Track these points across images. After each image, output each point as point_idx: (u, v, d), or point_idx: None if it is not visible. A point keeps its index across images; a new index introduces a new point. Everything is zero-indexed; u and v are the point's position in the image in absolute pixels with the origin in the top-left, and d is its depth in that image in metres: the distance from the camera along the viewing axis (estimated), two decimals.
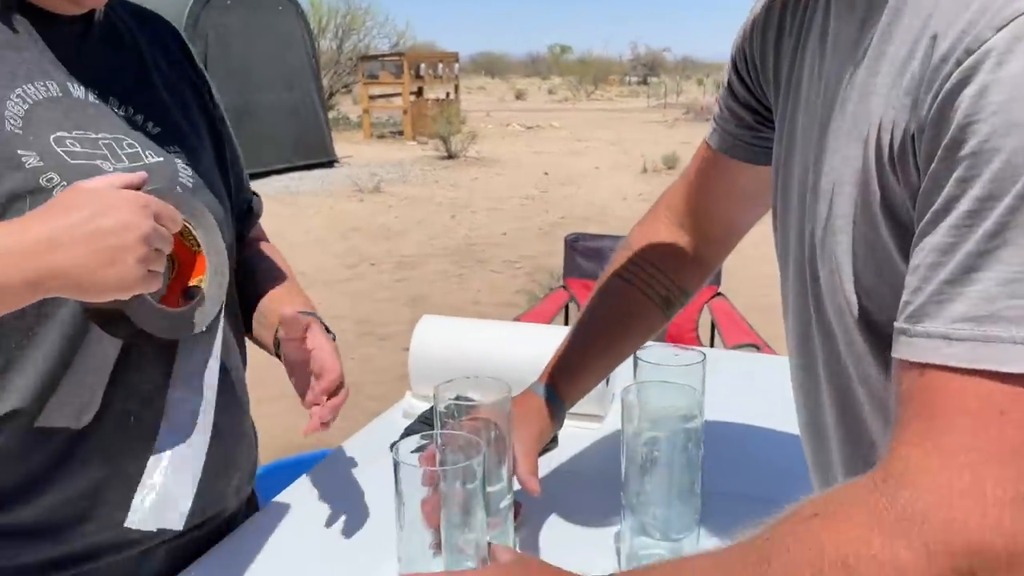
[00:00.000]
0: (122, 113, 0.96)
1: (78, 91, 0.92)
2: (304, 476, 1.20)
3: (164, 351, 0.92)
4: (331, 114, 17.19)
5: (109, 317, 0.83)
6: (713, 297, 3.35)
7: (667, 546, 0.95)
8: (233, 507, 1.08)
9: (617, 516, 1.01)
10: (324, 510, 1.11)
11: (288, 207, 9.30)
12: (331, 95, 17.91)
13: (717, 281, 3.35)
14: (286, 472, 1.30)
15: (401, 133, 16.82)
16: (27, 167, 0.83)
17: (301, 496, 1.15)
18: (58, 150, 0.86)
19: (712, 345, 3.25)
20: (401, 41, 22.13)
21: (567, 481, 1.18)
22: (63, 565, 0.91)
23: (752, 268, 6.47)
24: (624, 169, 12.72)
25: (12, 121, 0.84)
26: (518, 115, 23.81)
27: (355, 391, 4.33)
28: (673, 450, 0.94)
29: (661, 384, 0.97)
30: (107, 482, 0.90)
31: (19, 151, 0.83)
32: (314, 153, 12.60)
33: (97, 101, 0.93)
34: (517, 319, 3.12)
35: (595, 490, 1.14)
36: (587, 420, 1.35)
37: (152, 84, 1.02)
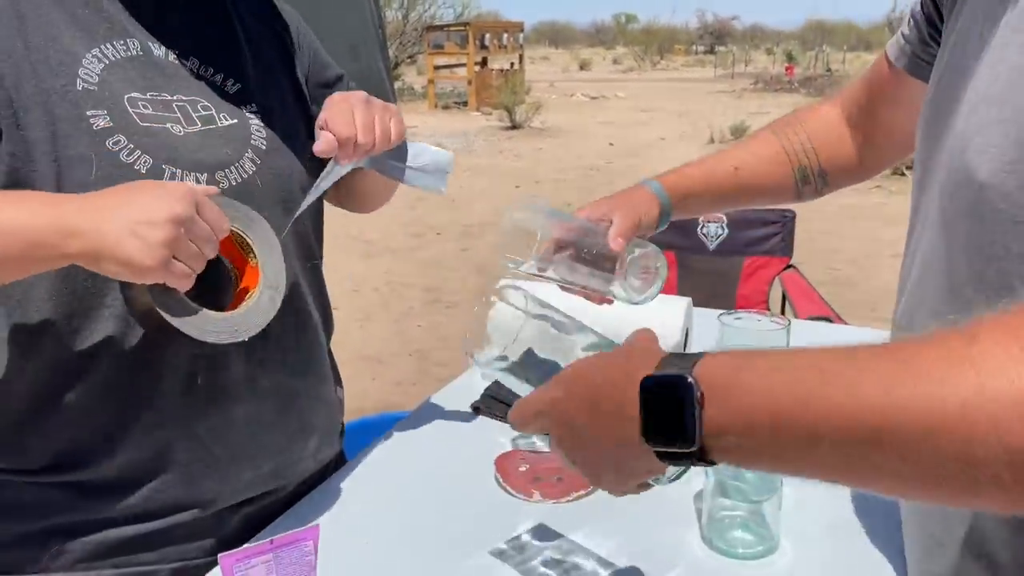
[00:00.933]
0: (202, 72, 0.96)
1: (159, 51, 0.92)
2: (383, 437, 1.23)
3: None
4: (396, 84, 17.28)
5: (145, 310, 0.86)
6: (784, 269, 3.30)
7: (747, 507, 0.96)
8: (312, 469, 1.09)
9: (697, 478, 1.01)
10: (403, 470, 1.14)
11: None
12: (396, 65, 17.98)
13: (788, 253, 3.29)
14: (362, 432, 1.33)
15: (465, 103, 16.83)
16: (95, 128, 0.84)
17: (380, 456, 1.18)
18: (130, 110, 0.87)
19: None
20: (466, 11, 22.08)
21: None
22: (141, 519, 0.93)
23: (822, 242, 6.35)
24: (690, 140, 12.51)
25: (86, 79, 0.85)
26: (582, 85, 23.58)
27: (423, 358, 4.42)
28: None
29: (746, 348, 0.97)
30: (176, 442, 0.93)
31: (88, 112, 0.84)
32: None
33: (177, 61, 0.94)
34: None
35: None
36: None
37: (235, 41, 1.01)
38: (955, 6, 0.82)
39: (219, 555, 0.69)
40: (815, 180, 1.12)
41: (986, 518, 0.68)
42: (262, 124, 0.99)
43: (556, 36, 67.44)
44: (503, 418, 1.24)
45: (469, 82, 16.56)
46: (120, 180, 0.82)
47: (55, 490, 0.90)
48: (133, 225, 0.74)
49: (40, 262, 0.78)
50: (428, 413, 1.30)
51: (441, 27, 18.14)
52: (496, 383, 1.31)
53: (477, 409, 1.28)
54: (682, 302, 1.42)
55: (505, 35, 17.94)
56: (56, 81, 0.84)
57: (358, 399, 3.27)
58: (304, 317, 1.05)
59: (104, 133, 0.84)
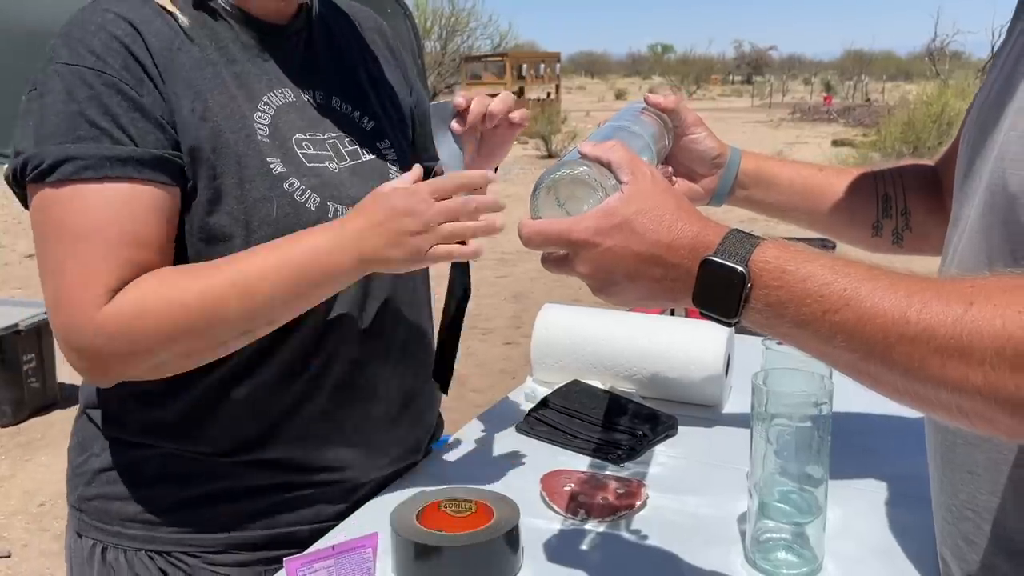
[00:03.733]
0: (343, 111, 1.07)
1: (307, 94, 1.04)
2: (431, 456, 1.26)
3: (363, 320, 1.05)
4: None
5: None
6: None
7: (791, 529, 0.97)
8: (419, 458, 1.21)
9: (740, 500, 1.03)
10: (451, 489, 1.17)
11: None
12: (434, 95, 18.24)
13: None
14: None
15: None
16: (274, 173, 0.95)
17: (431, 471, 1.21)
18: (298, 153, 0.98)
19: None
20: (503, 42, 22.30)
21: (689, 466, 1.21)
22: (285, 488, 1.04)
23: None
24: None
25: (261, 131, 0.96)
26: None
27: (459, 384, 4.44)
28: (801, 436, 0.96)
29: (791, 371, 0.99)
30: (327, 435, 1.04)
31: (268, 159, 0.95)
32: None
33: (322, 102, 1.05)
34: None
35: (717, 474, 1.16)
36: (705, 410, 1.37)
37: (361, 81, 1.12)
38: (1015, 26, 0.83)
39: (284, 559, 0.73)
40: (896, 216, 1.09)
41: (1016, 518, 0.71)
42: (396, 158, 1.10)
43: (592, 66, 67.97)
44: (549, 439, 1.27)
45: None
46: (295, 216, 0.95)
47: (220, 465, 1.01)
48: (396, 237, 0.88)
49: (351, 281, 0.94)
50: (473, 433, 1.33)
51: (479, 58, 18.39)
52: (540, 404, 1.34)
53: (522, 430, 1.30)
54: (724, 328, 1.44)
55: (542, 65, 18.15)
56: (241, 134, 0.94)
57: None
58: (427, 323, 1.18)
59: (281, 177, 0.95)
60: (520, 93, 17.28)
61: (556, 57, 18.78)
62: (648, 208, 0.70)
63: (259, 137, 0.96)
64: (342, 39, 1.12)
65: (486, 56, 18.77)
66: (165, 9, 0.95)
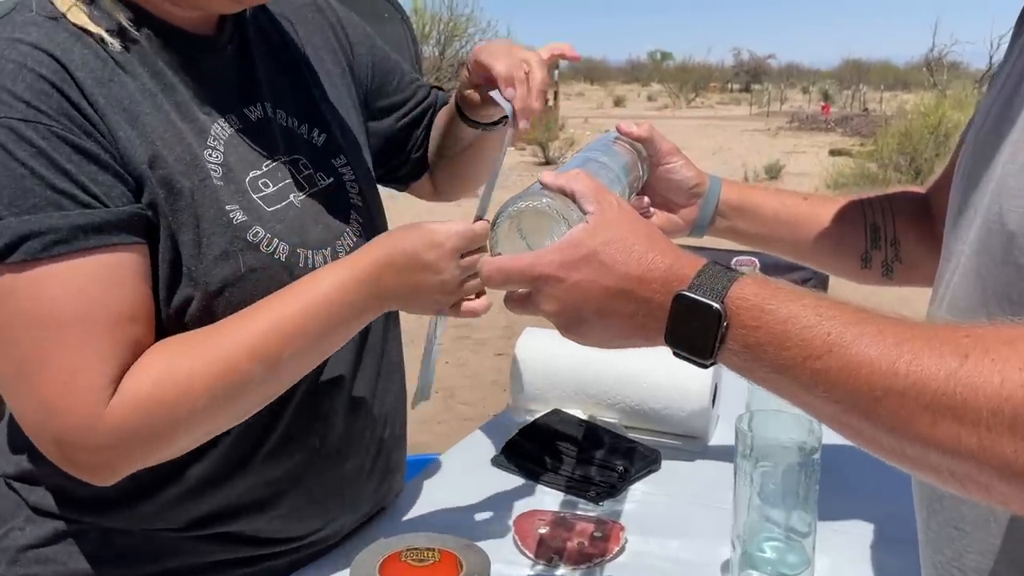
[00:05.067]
0: (290, 127, 0.96)
1: (252, 113, 0.91)
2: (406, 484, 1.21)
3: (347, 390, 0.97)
4: None
5: None
6: None
7: None
8: (391, 502, 1.14)
9: (725, 543, 0.97)
10: (421, 525, 1.11)
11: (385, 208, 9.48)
12: None
13: (824, 287, 3.23)
14: None
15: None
16: (235, 223, 0.84)
17: (402, 506, 1.15)
18: (255, 198, 0.87)
19: None
20: None
21: (671, 505, 1.15)
22: (246, 548, 0.95)
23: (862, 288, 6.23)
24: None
25: (215, 172, 0.84)
26: (616, 122, 23.60)
27: (449, 395, 4.39)
28: (787, 483, 0.91)
29: (777, 413, 0.94)
30: (295, 499, 0.95)
31: (227, 207, 0.84)
32: None
33: (271, 116, 0.93)
34: None
35: (701, 515, 1.10)
36: (690, 442, 1.31)
37: (306, 84, 1.00)
38: (1015, 44, 0.79)
39: None
40: (886, 247, 1.04)
41: (1000, 561, 0.67)
42: (354, 176, 1.00)
43: (591, 72, 68.03)
44: (525, 473, 1.21)
45: None
46: (264, 272, 0.85)
47: (173, 541, 0.91)
48: (415, 290, 0.83)
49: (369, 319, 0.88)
50: (446, 465, 1.27)
51: None
52: (520, 434, 1.28)
53: (498, 463, 1.25)
54: None
55: None
56: (195, 179, 0.82)
57: None
58: (399, 366, 1.09)
59: (243, 227, 0.84)
60: None
61: (554, 64, 18.74)
62: (616, 238, 0.65)
63: (214, 181, 0.83)
64: (275, 39, 0.99)
65: None
66: (86, 31, 0.79)
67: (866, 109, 28.42)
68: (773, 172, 12.39)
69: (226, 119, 0.88)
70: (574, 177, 0.69)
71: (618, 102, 36.69)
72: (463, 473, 1.24)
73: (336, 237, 0.94)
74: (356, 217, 0.98)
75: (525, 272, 0.66)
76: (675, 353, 0.64)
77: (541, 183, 0.71)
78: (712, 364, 0.63)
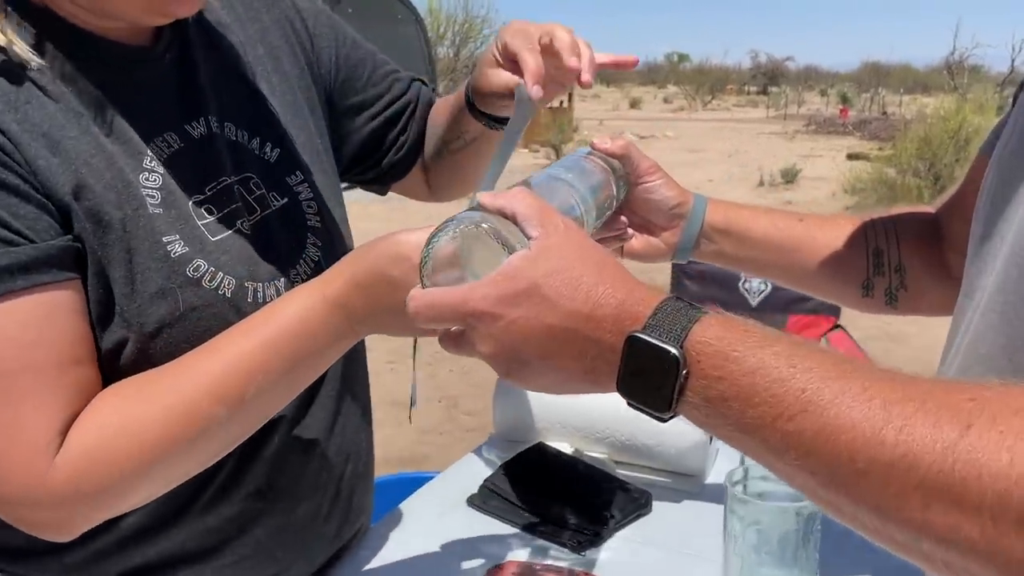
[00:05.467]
0: (240, 141, 0.86)
1: (195, 128, 0.82)
2: (377, 525, 1.12)
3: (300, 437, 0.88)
4: None
5: None
6: (832, 329, 3.12)
7: None
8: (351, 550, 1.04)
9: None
10: (391, 571, 1.02)
11: (396, 211, 9.43)
12: None
13: (836, 312, 3.12)
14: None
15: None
16: (173, 256, 0.75)
17: (371, 545, 1.06)
18: (199, 225, 0.78)
19: None
20: None
21: (661, 556, 1.05)
22: None
23: None
24: (739, 183, 12.33)
25: (152, 199, 0.75)
26: (632, 124, 23.54)
27: (452, 405, 4.30)
28: (784, 540, 0.81)
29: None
30: (239, 548, 0.87)
31: (164, 238, 0.75)
32: None
33: (216, 131, 0.83)
34: None
35: (693, 569, 1.01)
36: (684, 480, 1.21)
37: (258, 92, 0.90)
38: None
39: None
40: (889, 273, 0.93)
41: None
42: (311, 194, 0.90)
43: (607, 74, 67.82)
44: (503, 516, 1.12)
45: None
46: (207, 309, 0.76)
47: None
48: (391, 319, 0.71)
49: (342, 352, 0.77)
50: (418, 506, 1.18)
51: None
52: (498, 472, 1.19)
53: (474, 504, 1.15)
54: None
55: None
56: (128, 208, 0.73)
57: (383, 447, 3.14)
58: (363, 395, 0.99)
59: (182, 260, 0.75)
60: None
61: None
62: (561, 268, 0.56)
63: (150, 209, 0.75)
64: (222, 42, 0.89)
65: None
66: None
67: (885, 112, 28.11)
68: (789, 176, 12.23)
69: (165, 138, 0.79)
70: (515, 196, 0.60)
71: (634, 104, 36.50)
72: (437, 515, 1.14)
73: (291, 265, 0.85)
74: (314, 240, 0.88)
75: (457, 308, 0.57)
76: (629, 404, 0.55)
77: (480, 202, 0.61)
78: (671, 418, 0.54)
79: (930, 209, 0.98)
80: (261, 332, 0.72)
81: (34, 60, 0.71)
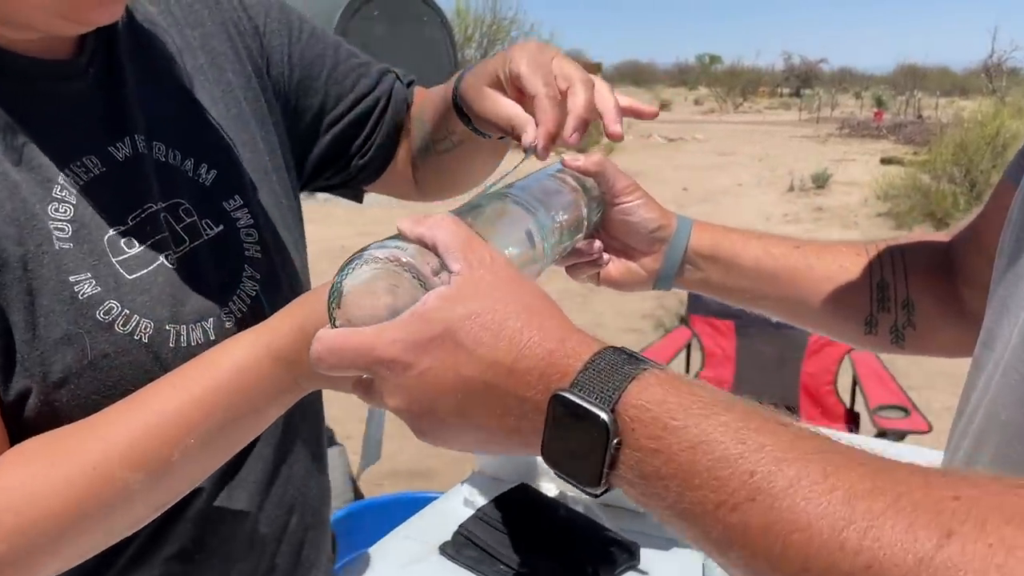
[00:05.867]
0: (171, 163, 0.77)
1: (119, 150, 0.74)
2: (350, 565, 1.04)
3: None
4: None
5: None
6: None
7: None
8: None
9: None
10: None
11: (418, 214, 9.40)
12: None
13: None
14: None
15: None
16: (81, 298, 0.67)
17: None
18: (114, 262, 0.69)
19: (853, 404, 2.89)
20: None
21: None
22: None
23: None
24: (769, 187, 12.13)
25: (60, 233, 0.67)
26: (660, 126, 23.33)
27: None
28: None
29: None
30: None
31: (71, 277, 0.67)
32: None
33: (144, 151, 0.75)
34: None
35: None
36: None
37: (195, 107, 0.81)
38: None
39: None
40: (896, 309, 0.83)
41: None
42: (251, 222, 0.81)
43: (638, 76, 67.40)
44: (476, 568, 1.03)
45: None
46: (120, 357, 0.67)
47: None
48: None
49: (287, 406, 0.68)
50: (385, 553, 1.09)
51: None
52: (474, 517, 1.10)
53: (447, 554, 1.06)
54: None
55: None
56: (30, 244, 0.65)
57: (390, 461, 3.08)
58: (315, 437, 0.90)
59: (92, 303, 0.67)
60: None
61: (597, 68, 18.54)
62: (482, 310, 0.48)
63: (57, 245, 0.66)
64: (156, 51, 0.80)
65: None
66: None
67: (920, 116, 27.60)
68: (820, 180, 12.00)
69: (83, 162, 0.70)
70: (438, 224, 0.52)
71: (664, 105, 36.20)
72: (404, 563, 1.06)
73: (222, 303, 0.75)
74: (252, 273, 0.79)
75: (362, 353, 0.49)
76: (556, 474, 0.47)
77: (399, 229, 0.53)
78: (604, 493, 0.46)
79: (943, 237, 0.87)
80: (191, 387, 0.64)
81: None
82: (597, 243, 0.83)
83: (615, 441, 0.43)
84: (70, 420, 0.65)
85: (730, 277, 0.85)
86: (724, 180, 12.74)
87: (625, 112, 0.81)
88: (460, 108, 0.88)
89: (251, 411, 0.65)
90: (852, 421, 2.84)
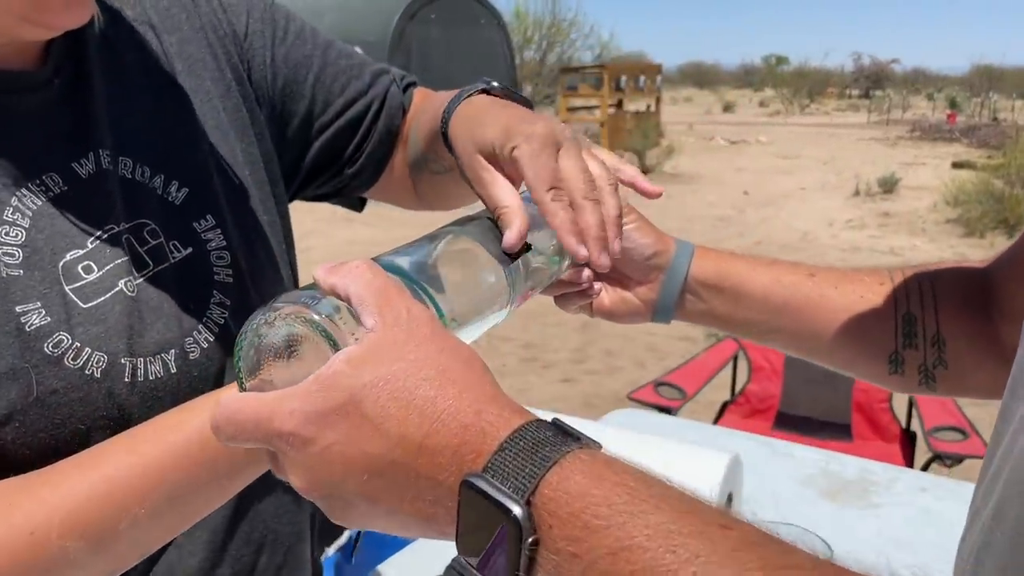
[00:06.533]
0: (140, 178, 0.72)
1: (83, 166, 0.69)
2: None
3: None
4: None
5: None
6: None
7: None
8: None
9: None
10: None
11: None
12: (531, 107, 18.02)
13: None
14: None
15: (597, 145, 16.63)
16: (28, 330, 0.62)
17: None
18: (68, 290, 0.64)
19: (909, 424, 2.74)
20: (604, 52, 22.00)
21: None
22: None
23: None
24: (833, 191, 11.79)
25: (9, 259, 0.62)
26: (723, 128, 22.95)
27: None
28: None
29: (782, 526, 0.65)
30: None
31: (19, 307, 0.62)
32: None
33: (108, 167, 0.70)
34: (670, 372, 2.78)
35: None
36: None
37: (168, 119, 0.76)
38: None
39: None
40: (924, 346, 0.74)
41: None
42: (224, 243, 0.75)
43: (702, 77, 66.51)
44: None
45: (602, 124, 16.36)
46: (70, 393, 0.63)
47: None
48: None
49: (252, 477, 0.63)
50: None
51: (576, 69, 18.09)
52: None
53: None
54: (723, 459, 1.08)
55: (642, 77, 17.67)
56: None
57: None
58: None
59: (41, 334, 0.62)
60: (619, 105, 16.89)
61: (657, 69, 18.26)
62: (391, 375, 0.41)
63: (4, 272, 0.62)
64: (127, 60, 0.74)
65: (584, 68, 18.44)
66: None
67: (995, 118, 26.57)
68: (888, 185, 11.60)
69: (44, 180, 0.65)
70: (351, 272, 0.45)
71: (727, 107, 35.59)
72: None
73: (185, 333, 0.69)
74: (221, 300, 0.73)
75: (260, 425, 0.43)
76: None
77: (314, 278, 0.47)
78: None
79: (979, 264, 0.77)
80: (147, 452, 0.58)
81: None
82: (587, 272, 0.75)
83: (530, 540, 0.36)
84: (15, 459, 0.61)
85: (737, 308, 0.77)
86: (787, 184, 12.42)
87: (626, 185, 0.73)
88: (448, 143, 0.81)
89: (213, 481, 0.59)
90: (907, 442, 2.68)
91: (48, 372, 0.62)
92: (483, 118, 0.73)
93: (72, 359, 0.63)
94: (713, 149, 17.82)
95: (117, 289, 0.67)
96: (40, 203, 0.65)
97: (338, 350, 0.43)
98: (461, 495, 0.38)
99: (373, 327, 0.43)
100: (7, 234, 0.63)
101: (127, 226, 0.69)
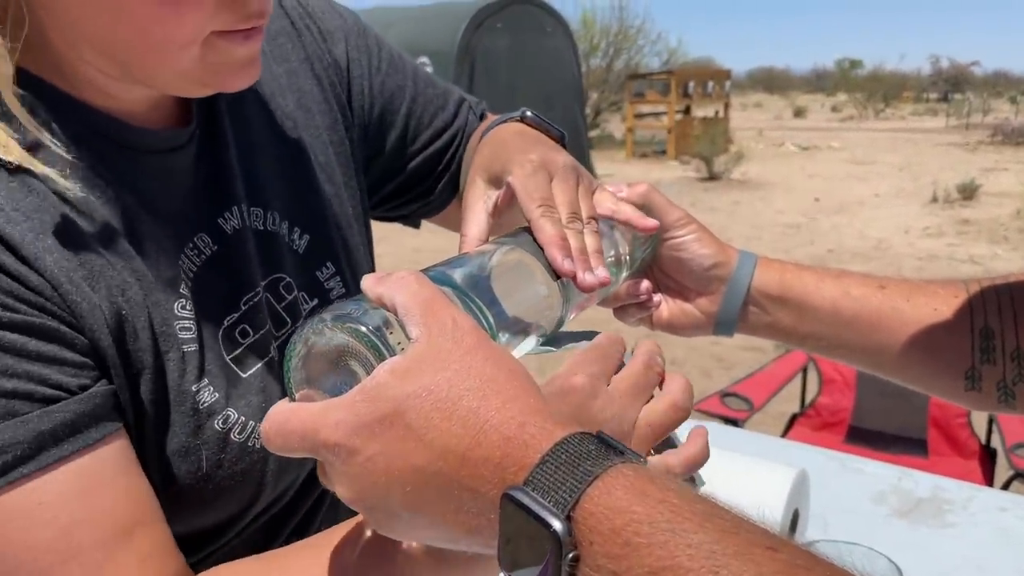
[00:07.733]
0: (272, 228, 0.71)
1: (230, 221, 0.68)
2: None
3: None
4: (597, 132, 17.31)
5: None
6: None
7: None
8: None
9: None
10: None
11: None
12: (597, 113, 18.01)
13: None
14: None
15: (664, 152, 16.50)
16: (201, 408, 0.62)
17: None
18: (228, 360, 0.64)
19: (989, 440, 2.63)
20: (672, 58, 21.79)
21: None
22: None
23: None
24: (909, 198, 11.42)
25: (186, 334, 0.61)
26: (794, 134, 22.48)
27: None
28: None
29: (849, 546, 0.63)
30: None
31: (194, 386, 0.62)
32: None
33: (246, 223, 0.69)
34: (737, 383, 2.73)
35: None
36: None
37: (288, 161, 0.74)
38: None
39: None
40: (1004, 360, 0.71)
41: None
42: (343, 291, 0.76)
43: (772, 82, 65.39)
44: None
45: (669, 130, 16.22)
46: (232, 467, 0.64)
47: None
48: None
49: None
50: None
51: (643, 75, 17.99)
52: None
53: None
54: (790, 473, 1.06)
55: (710, 83, 17.45)
56: (159, 349, 0.60)
57: None
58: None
59: (210, 411, 0.62)
60: (687, 111, 16.73)
61: (726, 75, 18.04)
62: (435, 386, 0.41)
63: (183, 347, 0.61)
64: (248, 99, 0.73)
65: (651, 74, 18.31)
66: (20, 169, 0.55)
67: None
68: (967, 191, 11.19)
69: (196, 243, 0.65)
70: (399, 283, 0.45)
71: (798, 113, 34.87)
72: None
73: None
74: None
75: (306, 436, 0.43)
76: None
77: (362, 289, 0.48)
78: None
79: None
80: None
81: (74, 185, 0.56)
82: (645, 283, 0.75)
83: (570, 555, 0.36)
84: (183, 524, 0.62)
85: (803, 322, 0.75)
86: (860, 190, 12.09)
87: (622, 224, 0.70)
88: None
89: None
90: (987, 459, 2.58)
91: (213, 450, 0.62)
92: (495, 147, 0.74)
93: (237, 433, 0.64)
94: (783, 155, 17.46)
95: (270, 356, 0.67)
96: (197, 267, 0.64)
97: (379, 361, 0.43)
98: (502, 508, 0.38)
99: (418, 338, 0.43)
100: (183, 307, 0.62)
101: (264, 283, 0.69)
